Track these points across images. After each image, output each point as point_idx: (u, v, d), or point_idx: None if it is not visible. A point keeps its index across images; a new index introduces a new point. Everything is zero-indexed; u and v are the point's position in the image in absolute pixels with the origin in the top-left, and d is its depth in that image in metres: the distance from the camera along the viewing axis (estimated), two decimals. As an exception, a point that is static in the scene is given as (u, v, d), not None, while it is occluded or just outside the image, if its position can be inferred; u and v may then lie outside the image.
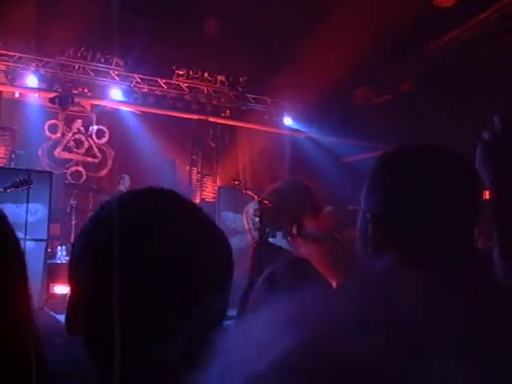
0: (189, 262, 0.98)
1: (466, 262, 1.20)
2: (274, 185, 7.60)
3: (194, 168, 12.25)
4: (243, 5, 9.24)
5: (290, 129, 12.33)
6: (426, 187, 1.26)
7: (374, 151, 11.16)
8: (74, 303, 1.02)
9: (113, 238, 0.91)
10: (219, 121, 12.12)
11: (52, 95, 10.54)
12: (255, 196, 7.44)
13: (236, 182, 7.68)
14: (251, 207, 6.63)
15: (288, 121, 12.22)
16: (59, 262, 9.33)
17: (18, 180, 6.52)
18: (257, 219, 6.60)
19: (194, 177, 12.31)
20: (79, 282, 1.01)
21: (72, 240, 9.34)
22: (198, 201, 12.08)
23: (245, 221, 6.85)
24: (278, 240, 7.18)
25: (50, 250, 8.99)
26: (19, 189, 6.45)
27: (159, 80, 11.25)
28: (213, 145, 12.28)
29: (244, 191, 7.94)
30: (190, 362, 0.86)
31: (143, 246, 0.95)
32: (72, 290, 1.03)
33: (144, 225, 0.97)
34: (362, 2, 8.53)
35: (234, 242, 9.29)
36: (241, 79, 11.82)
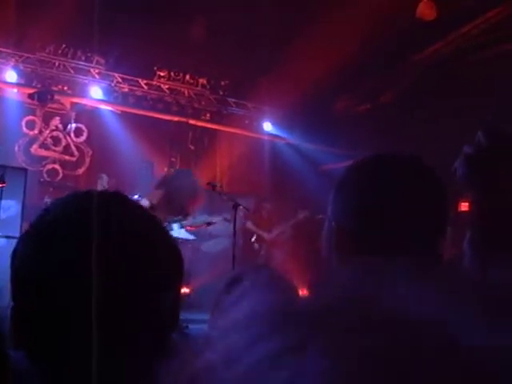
0: (136, 264, 0.95)
1: (427, 267, 1.20)
2: (161, 178, 7.67)
3: (172, 170, 12.19)
4: (228, 9, 9.25)
5: (270, 134, 12.34)
6: (389, 197, 1.26)
7: (352, 160, 11.30)
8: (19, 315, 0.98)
9: (61, 244, 0.92)
10: (199, 123, 12.09)
11: (31, 91, 10.42)
12: (229, 200, 7.46)
13: (211, 186, 7.72)
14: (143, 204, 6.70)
15: (268, 126, 12.23)
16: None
17: None
18: None
19: (172, 179, 12.24)
20: (26, 291, 0.98)
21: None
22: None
23: None
24: (177, 232, 7.19)
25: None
26: None
27: (140, 80, 11.19)
28: (192, 147, 12.23)
29: (220, 195, 7.96)
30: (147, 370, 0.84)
31: (95, 251, 0.91)
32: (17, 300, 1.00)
33: (94, 230, 0.93)
34: (346, 11, 8.58)
35: (210, 245, 9.28)
36: (222, 83, 11.81)
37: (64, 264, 0.93)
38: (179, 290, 1.08)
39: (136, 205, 1.08)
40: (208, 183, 7.71)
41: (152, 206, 6.50)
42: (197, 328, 5.37)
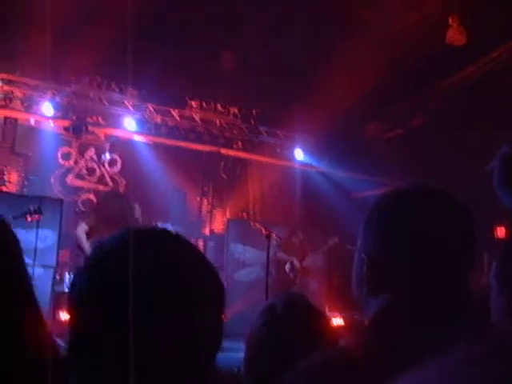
0: (188, 297, 1.01)
1: (457, 308, 1.21)
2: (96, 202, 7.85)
3: (205, 199, 12.26)
4: (258, 38, 9.37)
5: (301, 162, 12.36)
6: (421, 230, 1.26)
7: (384, 187, 11.20)
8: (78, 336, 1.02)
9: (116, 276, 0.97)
10: (231, 153, 12.18)
11: (67, 123, 10.66)
12: (263, 229, 7.47)
13: (245, 215, 7.75)
14: (80, 229, 6.84)
15: (299, 154, 12.26)
16: (67, 289, 9.32)
17: (28, 210, 6.61)
18: (84, 239, 6.84)
19: (204, 208, 12.31)
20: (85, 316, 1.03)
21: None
22: (207, 233, 12.07)
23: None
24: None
25: (58, 277, 8.98)
26: (29, 219, 6.53)
27: (172, 110, 11.35)
28: (224, 176, 12.31)
29: (253, 224, 7.99)
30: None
31: (149, 284, 0.97)
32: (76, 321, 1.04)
33: (150, 265, 1.00)
34: (375, 37, 8.62)
35: (243, 274, 9.31)
36: (253, 112, 11.91)
37: (113, 297, 0.98)
38: (222, 319, 1.10)
39: (186, 242, 1.13)
40: (241, 212, 7.75)
41: (90, 228, 6.71)
42: (226, 356, 5.31)
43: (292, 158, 12.31)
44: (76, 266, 9.06)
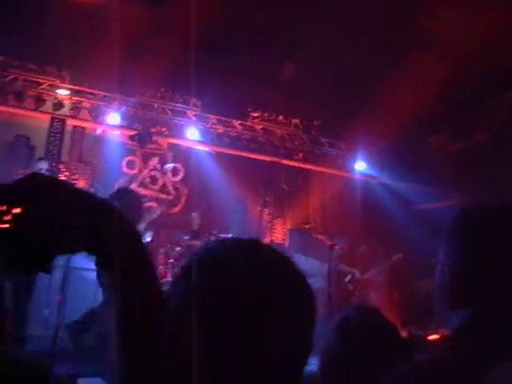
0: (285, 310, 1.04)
1: None
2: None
3: (265, 209, 12.29)
4: (319, 49, 9.38)
5: (362, 173, 12.27)
6: (506, 247, 1.25)
7: (447, 200, 10.98)
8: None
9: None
10: (292, 163, 12.20)
11: (132, 133, 10.92)
12: (327, 240, 7.44)
13: (307, 226, 7.75)
14: None
15: (360, 165, 12.17)
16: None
17: None
18: None
19: (265, 218, 12.35)
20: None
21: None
22: (267, 242, 12.07)
23: None
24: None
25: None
26: None
27: (234, 121, 11.47)
28: (285, 187, 12.33)
29: (314, 235, 7.96)
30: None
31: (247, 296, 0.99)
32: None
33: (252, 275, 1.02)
34: (439, 48, 8.50)
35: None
36: (315, 122, 11.91)
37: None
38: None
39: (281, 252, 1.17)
40: (304, 223, 7.72)
41: None
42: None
43: (353, 169, 12.24)
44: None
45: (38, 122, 10.55)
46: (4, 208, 0.81)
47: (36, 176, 0.87)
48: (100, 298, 8.48)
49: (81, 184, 10.07)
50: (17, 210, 0.81)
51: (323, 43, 9.26)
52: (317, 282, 9.45)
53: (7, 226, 0.80)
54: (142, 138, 10.83)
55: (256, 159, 11.88)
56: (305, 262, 9.87)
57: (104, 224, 0.87)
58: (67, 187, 0.88)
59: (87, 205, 0.87)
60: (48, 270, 0.85)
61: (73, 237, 0.84)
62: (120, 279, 0.88)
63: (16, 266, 0.83)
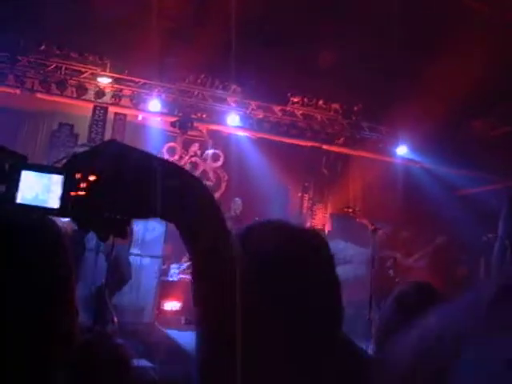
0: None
1: None
2: None
3: (306, 195, 12.26)
4: (360, 34, 9.26)
5: (404, 158, 12.12)
6: None
7: (491, 184, 10.77)
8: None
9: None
10: (332, 148, 12.12)
11: (172, 119, 10.99)
12: (370, 224, 7.38)
13: (350, 210, 7.69)
14: None
15: (402, 150, 12.02)
16: (171, 279, 9.63)
17: None
18: None
19: (305, 204, 12.32)
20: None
21: (184, 259, 9.62)
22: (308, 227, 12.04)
23: None
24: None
25: (163, 267, 9.29)
26: None
27: (274, 107, 11.44)
28: (325, 172, 12.27)
29: (358, 219, 7.90)
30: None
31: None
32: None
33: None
34: (479, 34, 8.30)
35: (344, 271, 9.14)
36: (355, 108, 11.79)
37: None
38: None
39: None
40: (346, 207, 7.66)
41: None
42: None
43: (394, 154, 12.09)
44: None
45: (81, 110, 10.72)
46: (80, 176, 0.84)
47: (113, 142, 0.88)
48: (143, 283, 8.64)
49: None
50: (92, 178, 0.83)
51: (362, 30, 9.15)
52: (357, 269, 9.41)
53: (83, 193, 0.83)
54: (183, 125, 10.90)
55: (296, 144, 11.83)
56: (344, 248, 9.83)
57: (181, 190, 0.88)
58: (143, 153, 0.89)
59: (163, 170, 0.87)
60: (124, 235, 0.87)
61: (149, 202, 0.86)
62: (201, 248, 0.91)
63: (94, 230, 0.86)
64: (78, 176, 0.84)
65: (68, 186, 0.85)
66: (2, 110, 10.53)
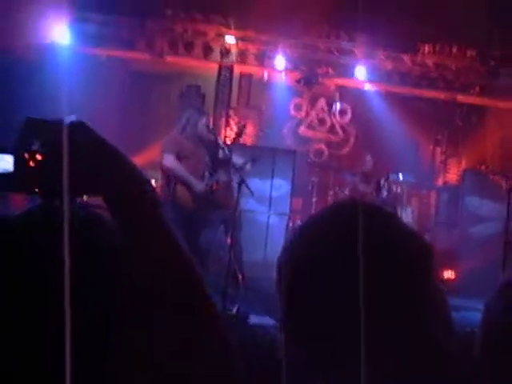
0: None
1: None
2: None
3: (438, 148, 11.71)
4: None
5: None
6: None
7: None
8: None
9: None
10: (467, 99, 11.38)
11: (298, 75, 10.87)
12: (504, 182, 6.88)
13: (483, 167, 7.19)
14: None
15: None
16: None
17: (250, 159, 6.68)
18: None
19: (438, 158, 11.78)
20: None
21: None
22: (440, 183, 11.57)
23: None
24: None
25: (291, 224, 9.33)
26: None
27: (404, 56, 10.91)
28: (460, 124, 11.58)
29: (491, 176, 7.39)
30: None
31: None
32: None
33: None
34: None
35: (479, 229, 8.73)
36: (494, 52, 10.93)
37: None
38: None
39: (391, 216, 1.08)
40: (480, 164, 7.19)
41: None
42: (459, 315, 5.01)
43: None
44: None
45: (208, 71, 10.90)
46: (28, 155, 0.90)
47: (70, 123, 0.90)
48: (270, 241, 8.74)
49: (249, 129, 10.25)
50: (39, 157, 0.89)
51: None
52: (493, 227, 8.88)
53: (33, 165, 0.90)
54: (308, 80, 10.76)
55: (428, 96, 11.27)
56: (479, 205, 9.31)
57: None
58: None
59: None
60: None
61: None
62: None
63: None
64: (26, 155, 0.90)
65: (17, 166, 0.91)
66: (135, 75, 10.98)
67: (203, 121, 6.40)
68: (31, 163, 0.89)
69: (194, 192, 6.13)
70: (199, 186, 6.15)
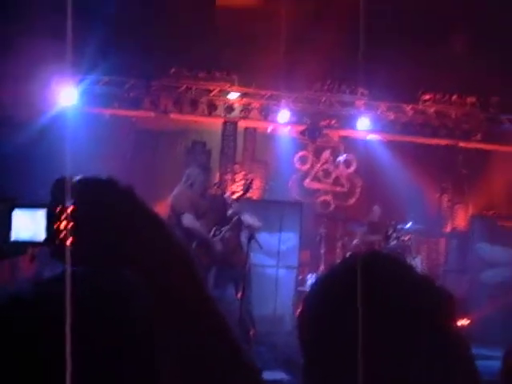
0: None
1: None
2: None
3: (444, 196, 11.71)
4: (487, 20, 8.74)
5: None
6: None
7: None
8: None
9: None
10: (470, 145, 11.46)
11: (302, 128, 11.00)
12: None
13: (490, 212, 7.19)
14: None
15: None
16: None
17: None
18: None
19: (444, 205, 11.76)
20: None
21: (321, 268, 9.54)
22: (448, 230, 11.51)
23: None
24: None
25: (300, 277, 9.28)
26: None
27: (405, 106, 11.07)
28: (464, 171, 11.62)
29: (500, 222, 7.35)
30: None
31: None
32: None
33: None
34: None
35: (489, 275, 8.65)
36: (492, 99, 11.08)
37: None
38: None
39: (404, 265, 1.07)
40: (486, 208, 7.18)
41: None
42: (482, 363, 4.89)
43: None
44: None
45: (212, 126, 11.06)
46: (59, 209, 0.89)
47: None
48: (280, 294, 8.68)
49: (256, 183, 10.32)
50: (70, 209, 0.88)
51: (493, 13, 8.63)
52: (502, 272, 8.80)
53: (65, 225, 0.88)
54: (312, 133, 10.88)
55: (430, 144, 11.36)
56: (490, 251, 9.24)
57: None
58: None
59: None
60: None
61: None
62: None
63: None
64: (57, 209, 0.89)
65: (50, 219, 0.91)
66: (140, 132, 11.14)
67: (209, 178, 6.52)
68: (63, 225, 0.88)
69: (211, 251, 6.19)
70: (218, 245, 6.22)
